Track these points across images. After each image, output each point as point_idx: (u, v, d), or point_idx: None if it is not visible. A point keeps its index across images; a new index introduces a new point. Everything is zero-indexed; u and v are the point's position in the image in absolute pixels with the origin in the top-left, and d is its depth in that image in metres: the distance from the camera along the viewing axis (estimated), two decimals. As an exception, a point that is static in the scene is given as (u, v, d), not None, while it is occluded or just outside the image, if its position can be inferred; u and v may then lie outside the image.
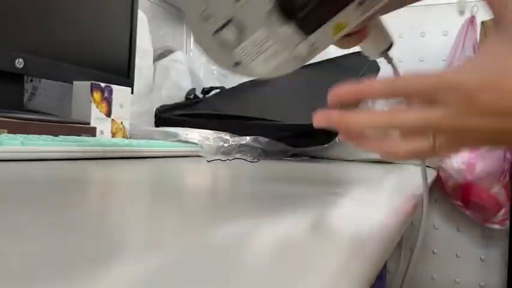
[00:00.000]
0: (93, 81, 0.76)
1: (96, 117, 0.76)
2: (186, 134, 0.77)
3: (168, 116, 0.91)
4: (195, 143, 0.74)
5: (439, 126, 0.31)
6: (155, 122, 0.93)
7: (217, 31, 0.36)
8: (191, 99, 1.05)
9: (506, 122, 0.29)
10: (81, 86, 0.76)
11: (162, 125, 0.91)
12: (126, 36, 0.93)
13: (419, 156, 0.34)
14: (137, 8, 0.96)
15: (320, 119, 0.33)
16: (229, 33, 0.36)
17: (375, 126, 0.32)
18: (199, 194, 0.31)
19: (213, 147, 0.74)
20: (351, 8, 0.35)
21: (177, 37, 1.46)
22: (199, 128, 0.83)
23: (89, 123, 0.74)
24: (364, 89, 0.32)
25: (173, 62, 1.10)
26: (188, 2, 0.35)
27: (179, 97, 1.06)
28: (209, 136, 0.76)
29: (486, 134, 0.30)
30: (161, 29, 1.37)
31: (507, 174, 0.88)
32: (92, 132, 0.72)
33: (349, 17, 0.35)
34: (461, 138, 0.31)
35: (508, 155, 0.89)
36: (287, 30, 0.36)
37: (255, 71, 0.38)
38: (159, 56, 1.26)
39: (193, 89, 1.09)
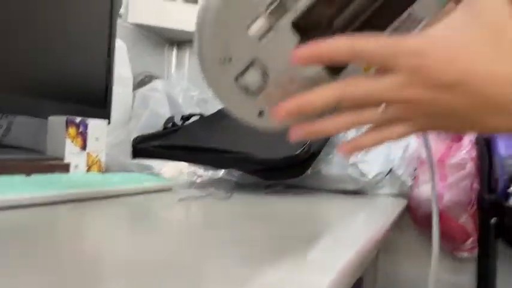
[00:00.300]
0: (68, 117, 0.77)
1: (71, 151, 0.77)
2: (161, 168, 0.79)
3: (144, 147, 0.93)
4: (168, 180, 0.75)
5: (387, 96, 0.31)
6: (132, 153, 0.95)
7: (238, 76, 0.33)
8: (169, 128, 1.06)
9: (455, 95, 0.30)
10: (56, 122, 0.77)
11: (139, 156, 0.92)
12: (103, 67, 0.94)
13: (368, 123, 0.33)
14: (115, 39, 0.98)
15: (280, 113, 0.32)
16: (252, 77, 0.33)
17: (329, 100, 0.32)
18: (159, 248, 0.32)
19: (187, 182, 0.76)
20: None
21: (158, 62, 1.48)
22: (175, 160, 0.85)
23: (63, 159, 0.75)
24: (329, 48, 0.31)
25: (152, 91, 1.12)
26: (204, 46, 0.32)
27: (157, 126, 1.07)
28: (183, 170, 0.77)
29: (434, 107, 0.31)
30: (142, 54, 1.39)
31: (474, 204, 0.91)
32: (65, 168, 0.73)
33: None
34: (410, 112, 0.31)
35: (475, 185, 0.92)
36: (315, 69, 0.34)
37: (276, 122, 0.35)
38: (140, 83, 1.27)
39: (172, 117, 1.11)
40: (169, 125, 1.09)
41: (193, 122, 1.09)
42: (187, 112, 1.17)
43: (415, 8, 0.34)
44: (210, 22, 0.31)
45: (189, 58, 1.55)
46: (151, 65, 1.44)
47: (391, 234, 0.98)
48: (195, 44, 0.33)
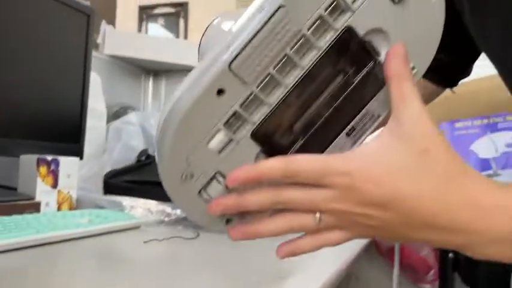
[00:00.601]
0: (39, 156, 0.79)
1: (42, 190, 0.79)
2: (131, 206, 0.81)
3: (116, 183, 0.95)
4: (137, 218, 0.77)
5: (322, 206, 0.32)
6: (104, 188, 0.96)
7: (201, 190, 0.33)
8: (142, 161, 1.08)
9: (383, 212, 0.32)
10: (27, 161, 0.79)
11: (111, 191, 0.94)
12: (77, 104, 0.96)
13: (304, 231, 0.35)
14: (89, 73, 0.99)
15: (216, 208, 0.33)
16: (215, 189, 0.34)
17: (263, 203, 0.33)
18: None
19: (156, 221, 0.78)
20: (339, 142, 0.36)
21: (135, 92, 1.51)
22: (145, 196, 0.87)
23: (33, 198, 0.77)
24: (263, 171, 0.32)
25: (126, 124, 1.14)
26: (164, 164, 0.33)
27: (131, 159, 1.10)
28: (152, 209, 0.79)
29: (365, 220, 0.32)
30: (118, 85, 1.41)
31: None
32: (36, 207, 0.74)
33: (340, 151, 0.35)
34: (343, 222, 0.33)
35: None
36: None
37: None
38: (115, 114, 1.30)
39: (145, 150, 1.13)
40: (143, 157, 1.11)
41: (167, 154, 1.11)
42: (161, 143, 1.20)
43: (371, 106, 0.35)
44: (169, 141, 0.32)
45: (165, 87, 1.58)
46: (128, 95, 1.46)
47: (360, 266, 1.01)
48: (156, 160, 0.34)
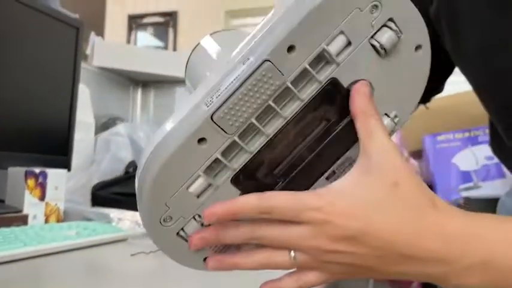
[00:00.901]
0: (27, 169, 0.79)
1: (30, 202, 0.79)
2: (119, 218, 0.82)
3: (104, 195, 0.95)
4: (124, 231, 0.78)
5: (295, 244, 0.33)
6: (91, 200, 0.97)
7: (179, 231, 0.34)
8: (130, 173, 1.09)
9: (356, 246, 0.32)
10: (15, 173, 0.80)
11: (98, 203, 0.94)
12: (65, 116, 0.97)
13: (279, 268, 0.35)
14: (78, 85, 1.00)
15: (196, 242, 0.34)
16: (193, 229, 0.34)
17: (239, 237, 0.34)
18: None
19: (142, 233, 0.79)
20: (318, 185, 0.36)
21: (123, 103, 1.51)
22: (133, 208, 0.87)
23: (21, 211, 0.77)
24: (239, 207, 0.33)
25: (114, 135, 1.15)
26: (144, 207, 0.33)
27: (119, 170, 1.10)
28: (140, 221, 0.80)
29: (339, 257, 0.33)
30: (107, 96, 1.42)
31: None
32: (23, 220, 0.75)
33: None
34: (317, 261, 0.34)
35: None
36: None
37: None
38: (103, 126, 1.30)
39: (133, 162, 1.14)
40: (131, 169, 1.12)
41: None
42: (149, 154, 1.21)
43: (352, 152, 0.35)
44: (149, 187, 0.32)
45: (154, 98, 1.59)
46: (117, 106, 1.47)
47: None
48: (137, 202, 0.34)
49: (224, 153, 0.32)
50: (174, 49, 4.08)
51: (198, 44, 0.45)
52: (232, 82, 0.31)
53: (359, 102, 0.33)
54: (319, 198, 0.33)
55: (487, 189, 0.89)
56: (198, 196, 0.33)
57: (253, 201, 0.33)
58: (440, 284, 0.34)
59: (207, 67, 0.33)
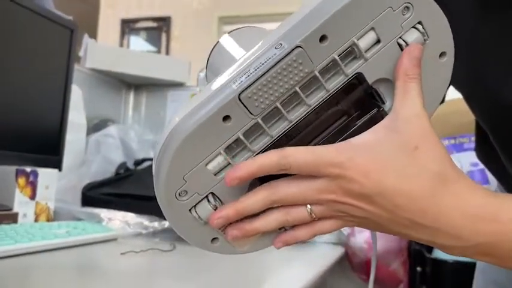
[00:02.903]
0: (17, 168, 0.80)
1: (20, 201, 0.80)
2: (109, 218, 0.82)
3: (94, 195, 0.96)
4: (114, 230, 0.79)
5: (312, 197, 0.34)
6: (82, 200, 0.97)
7: (193, 206, 0.34)
8: (121, 174, 1.10)
9: (369, 204, 0.33)
10: (6, 172, 0.80)
11: (89, 204, 0.95)
12: (57, 116, 0.97)
13: (298, 223, 0.35)
14: (71, 86, 1.00)
15: (217, 222, 0.34)
16: (204, 208, 0.34)
17: (260, 203, 0.34)
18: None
19: (132, 233, 0.79)
20: None
21: (116, 105, 1.52)
22: (123, 209, 0.88)
23: (11, 209, 0.77)
24: (260, 165, 0.33)
25: (105, 137, 1.15)
26: (163, 180, 0.33)
27: (110, 171, 1.11)
28: (130, 222, 0.81)
29: (352, 211, 0.34)
30: (99, 98, 1.42)
31: (405, 251, 0.99)
32: (13, 218, 0.75)
33: None
34: (332, 211, 0.34)
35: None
36: None
37: (234, 248, 0.37)
38: (95, 127, 1.30)
39: (124, 163, 1.14)
40: (122, 170, 1.12)
41: (146, 167, 1.13)
42: (140, 157, 1.21)
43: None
44: (170, 158, 0.32)
45: (146, 101, 1.59)
46: (109, 108, 1.47)
47: (333, 279, 1.04)
48: (154, 173, 0.34)
49: (246, 134, 0.33)
50: (167, 54, 4.09)
51: (218, 42, 0.44)
52: (262, 64, 0.31)
53: (406, 63, 0.33)
54: (339, 154, 0.32)
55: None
56: (215, 174, 0.33)
57: (273, 157, 0.32)
58: (444, 251, 0.34)
59: (231, 62, 0.34)
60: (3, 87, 0.83)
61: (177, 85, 1.53)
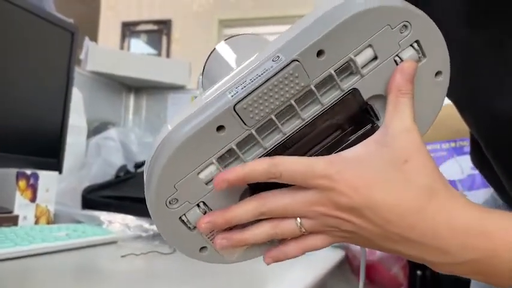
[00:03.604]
0: (18, 170, 0.80)
1: (20, 204, 0.80)
2: (109, 220, 0.82)
3: (94, 198, 0.96)
4: (114, 233, 0.79)
5: (302, 209, 0.33)
6: (82, 203, 0.97)
7: (182, 216, 0.34)
8: (121, 177, 1.10)
9: (357, 218, 0.33)
10: (6, 174, 0.80)
11: (89, 206, 0.95)
12: (58, 118, 0.97)
13: (287, 236, 0.35)
14: (71, 89, 1.01)
15: (205, 226, 0.34)
16: (195, 215, 0.34)
17: (249, 213, 0.34)
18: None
19: (132, 236, 0.79)
20: None
21: (115, 110, 1.52)
22: (124, 211, 0.88)
23: (11, 212, 0.77)
24: (250, 171, 0.32)
25: (105, 139, 1.15)
26: (153, 188, 0.33)
27: (110, 174, 1.11)
28: (130, 224, 0.81)
29: (340, 225, 0.33)
30: (99, 101, 1.43)
31: (405, 255, 0.99)
32: (13, 221, 0.75)
33: None
34: (322, 226, 0.34)
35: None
36: None
37: (223, 257, 0.37)
38: (95, 130, 1.31)
39: (124, 166, 1.14)
40: (122, 173, 1.12)
41: (146, 170, 1.13)
42: (141, 159, 1.21)
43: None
44: (162, 166, 0.32)
45: (147, 103, 1.60)
46: (109, 111, 1.48)
47: (333, 282, 1.04)
48: (145, 181, 0.34)
49: (239, 145, 0.33)
50: (168, 57, 4.10)
51: (214, 49, 0.44)
52: (259, 75, 0.32)
53: (399, 79, 0.33)
54: (329, 166, 0.32)
55: (472, 199, 0.90)
56: (206, 183, 0.33)
57: (263, 165, 0.32)
58: (434, 269, 0.34)
59: (228, 71, 0.34)
60: (4, 89, 0.83)
61: (178, 88, 1.54)
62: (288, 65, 0.31)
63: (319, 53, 0.32)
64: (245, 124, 0.32)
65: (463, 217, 0.32)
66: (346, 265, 1.11)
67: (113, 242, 0.78)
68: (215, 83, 0.34)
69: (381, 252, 1.03)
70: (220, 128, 0.32)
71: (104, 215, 0.84)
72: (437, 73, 0.35)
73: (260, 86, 0.31)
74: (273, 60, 0.32)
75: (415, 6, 0.35)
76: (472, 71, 0.49)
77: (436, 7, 0.50)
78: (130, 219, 0.83)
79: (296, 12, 3.69)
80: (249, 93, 0.31)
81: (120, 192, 0.97)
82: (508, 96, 0.46)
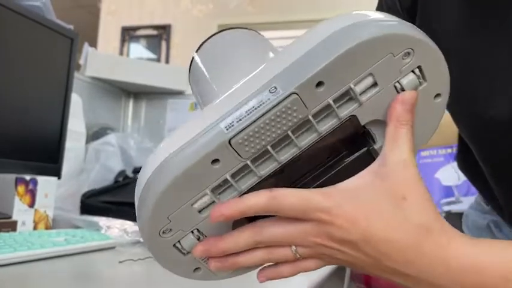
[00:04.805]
0: (17, 176, 0.80)
1: (19, 209, 0.80)
2: (107, 226, 0.83)
3: (93, 203, 0.96)
4: (112, 238, 0.79)
5: (298, 240, 0.34)
6: (81, 208, 0.98)
7: (176, 243, 0.34)
8: (120, 182, 1.10)
9: (354, 251, 0.33)
10: (5, 180, 0.80)
11: (87, 212, 0.95)
12: (57, 124, 0.97)
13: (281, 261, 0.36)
14: (71, 95, 1.01)
15: (199, 254, 0.34)
16: (189, 241, 0.34)
17: (244, 243, 0.34)
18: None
19: (131, 241, 0.80)
20: None
21: (114, 115, 1.53)
22: (122, 217, 0.88)
23: (10, 217, 0.78)
24: (247, 206, 0.32)
25: (105, 145, 1.16)
26: (146, 221, 0.32)
27: (109, 179, 1.11)
28: (128, 230, 0.81)
29: (336, 255, 0.34)
30: (98, 106, 1.43)
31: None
32: (12, 226, 0.76)
33: None
34: (317, 253, 0.35)
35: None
36: None
37: (216, 275, 0.37)
38: (94, 135, 1.31)
39: (123, 171, 1.15)
40: (121, 178, 1.13)
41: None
42: (140, 165, 1.22)
43: None
44: (154, 201, 0.31)
45: (146, 109, 1.60)
46: (108, 116, 1.48)
47: (332, 287, 1.04)
48: (137, 213, 0.34)
49: (233, 175, 0.32)
50: (167, 62, 4.11)
51: (193, 58, 0.43)
52: (255, 108, 0.30)
53: (399, 109, 0.33)
54: (327, 199, 0.33)
55: (468, 204, 0.91)
56: (200, 211, 0.33)
57: (262, 198, 0.32)
58: None
59: (213, 72, 0.33)
60: (3, 95, 0.84)
61: (177, 93, 1.54)
62: (285, 98, 0.30)
63: (318, 84, 0.31)
64: (240, 157, 0.31)
65: (458, 254, 0.32)
66: (344, 271, 1.12)
67: (111, 248, 0.78)
68: (203, 94, 0.33)
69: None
70: (215, 161, 0.31)
71: (102, 221, 0.85)
72: (437, 95, 0.34)
73: (257, 120, 0.30)
74: (270, 92, 0.30)
75: (415, 14, 0.35)
76: (466, 78, 0.49)
77: (434, 16, 0.51)
78: (128, 225, 0.83)
79: (296, 18, 3.71)
80: (245, 128, 0.30)
81: (119, 198, 0.98)
82: (500, 102, 0.47)
